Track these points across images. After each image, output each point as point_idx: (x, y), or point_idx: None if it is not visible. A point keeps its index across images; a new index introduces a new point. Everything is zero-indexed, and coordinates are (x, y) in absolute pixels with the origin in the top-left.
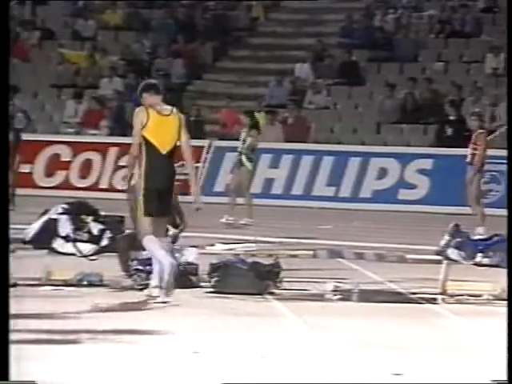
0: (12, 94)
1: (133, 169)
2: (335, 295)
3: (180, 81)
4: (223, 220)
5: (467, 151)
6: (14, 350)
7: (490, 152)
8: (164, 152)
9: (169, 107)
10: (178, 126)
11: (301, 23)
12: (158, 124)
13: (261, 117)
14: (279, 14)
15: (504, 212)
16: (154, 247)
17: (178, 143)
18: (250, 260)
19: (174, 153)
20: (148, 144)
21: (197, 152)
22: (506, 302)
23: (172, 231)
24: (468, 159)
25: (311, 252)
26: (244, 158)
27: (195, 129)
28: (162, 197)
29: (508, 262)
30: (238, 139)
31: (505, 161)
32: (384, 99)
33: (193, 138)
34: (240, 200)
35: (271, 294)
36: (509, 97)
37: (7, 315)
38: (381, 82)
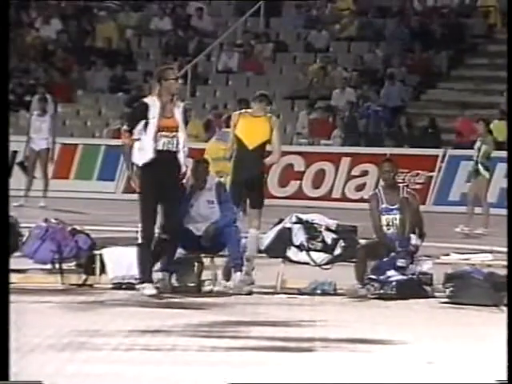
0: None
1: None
2: None
3: (413, 90)
4: (458, 229)
5: None
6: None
7: None
8: (251, 147)
9: (262, 112)
10: (268, 127)
11: None
12: (248, 123)
13: (497, 125)
14: None
15: None
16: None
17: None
18: (486, 270)
19: (262, 150)
20: (238, 140)
21: (431, 161)
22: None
23: (414, 241)
24: None
25: None
26: (481, 167)
27: (429, 138)
28: (251, 189)
29: (508, 261)
30: (472, 148)
31: None
32: None
33: (426, 147)
34: (477, 209)
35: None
36: (509, 96)
37: (7, 315)
38: None
